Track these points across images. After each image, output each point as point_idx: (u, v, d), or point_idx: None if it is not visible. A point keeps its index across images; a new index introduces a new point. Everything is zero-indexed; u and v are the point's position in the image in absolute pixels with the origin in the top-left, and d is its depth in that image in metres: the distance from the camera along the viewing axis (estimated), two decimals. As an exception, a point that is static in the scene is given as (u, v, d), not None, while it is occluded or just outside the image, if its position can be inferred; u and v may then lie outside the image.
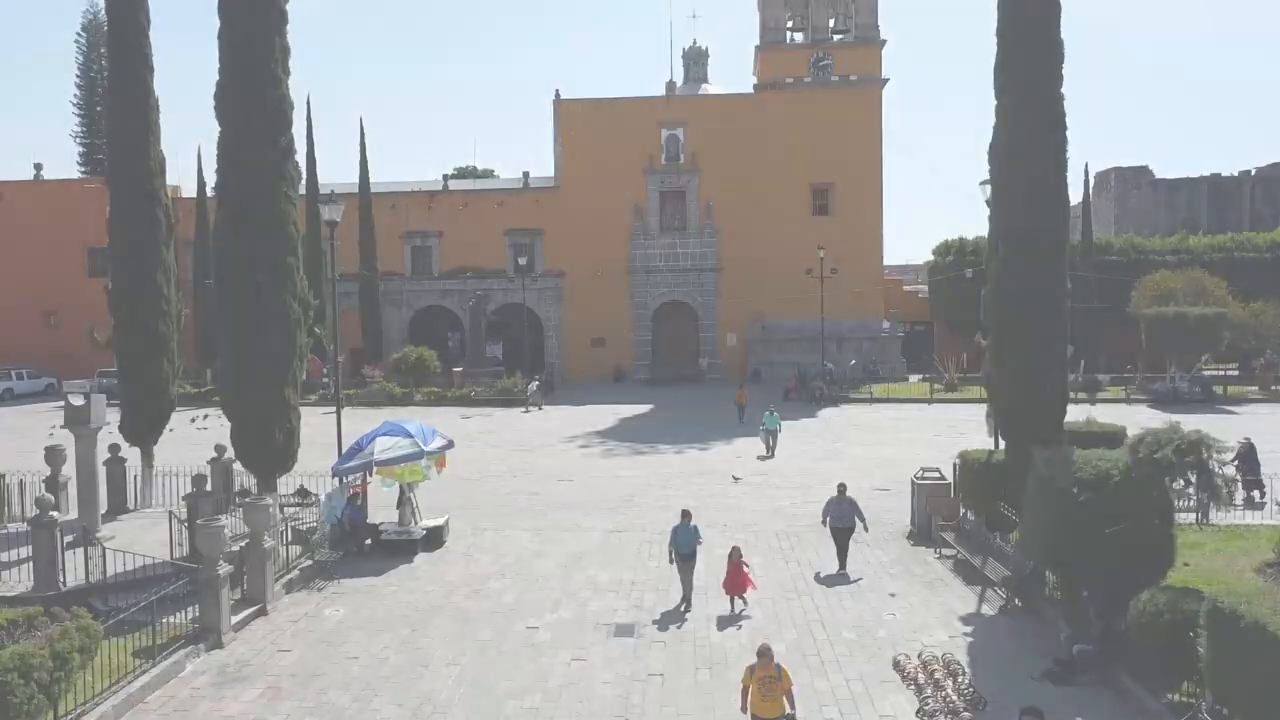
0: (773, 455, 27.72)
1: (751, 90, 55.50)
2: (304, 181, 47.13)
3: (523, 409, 42.42)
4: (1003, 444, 17.80)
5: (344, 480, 19.06)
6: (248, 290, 16.51)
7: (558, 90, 54.05)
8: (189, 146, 76.01)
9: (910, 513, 20.21)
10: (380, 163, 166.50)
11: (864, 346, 52.68)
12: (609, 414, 40.17)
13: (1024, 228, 15.49)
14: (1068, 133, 15.80)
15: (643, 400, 44.94)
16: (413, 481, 18.96)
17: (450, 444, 20.25)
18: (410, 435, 18.91)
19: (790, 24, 54.13)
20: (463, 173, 74.08)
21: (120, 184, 19.96)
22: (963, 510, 18.60)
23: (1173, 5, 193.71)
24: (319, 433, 28.38)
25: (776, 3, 53.08)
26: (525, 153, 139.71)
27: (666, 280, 54.43)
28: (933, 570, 17.23)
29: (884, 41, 52.43)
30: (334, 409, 24.45)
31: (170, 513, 16.51)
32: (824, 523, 17.73)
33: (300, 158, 48.32)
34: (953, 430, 34.13)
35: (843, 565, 17.07)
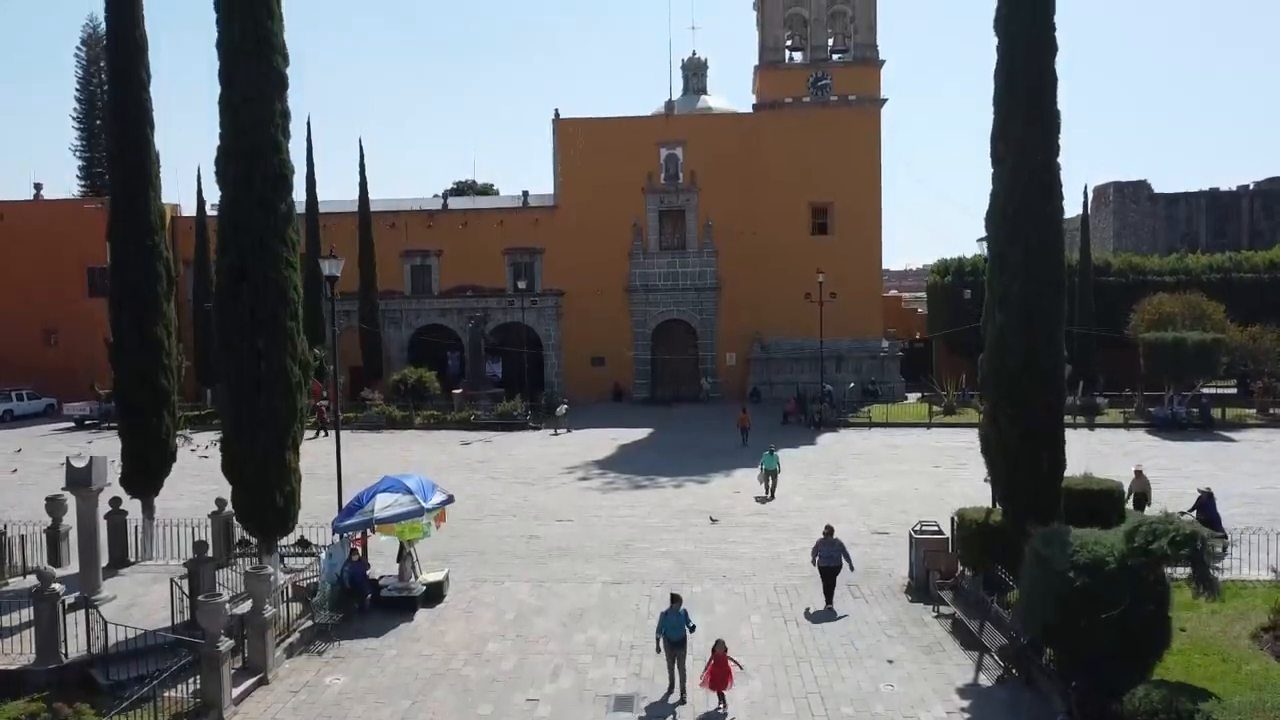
0: (772, 497, 27.68)
1: (751, 109, 55.59)
2: (304, 201, 47.77)
3: (551, 431, 42.81)
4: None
5: (344, 536, 19.13)
6: (248, 354, 16.57)
7: (557, 110, 54.21)
8: (189, 163, 75.69)
9: (908, 565, 20.29)
10: (380, 175, 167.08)
11: (863, 366, 52.78)
12: (608, 440, 40.25)
13: (1020, 298, 15.57)
14: (1064, 201, 15.94)
15: (642, 423, 45.05)
16: (413, 539, 19.03)
17: (450, 499, 20.30)
18: (410, 492, 18.98)
19: (789, 43, 54.20)
20: (462, 188, 74.33)
21: (121, 238, 19.99)
22: (960, 568, 18.68)
23: (1172, 21, 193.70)
24: (319, 462, 28.49)
25: (775, 23, 53.12)
26: (525, 164, 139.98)
27: (666, 299, 54.51)
28: (930, 632, 17.29)
29: (883, 61, 52.50)
30: (334, 431, 24.45)
31: (172, 580, 16.55)
32: (813, 562, 18.95)
33: (300, 177, 48.21)
34: (951, 460, 34.25)
35: (829, 601, 18.51)
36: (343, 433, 25.66)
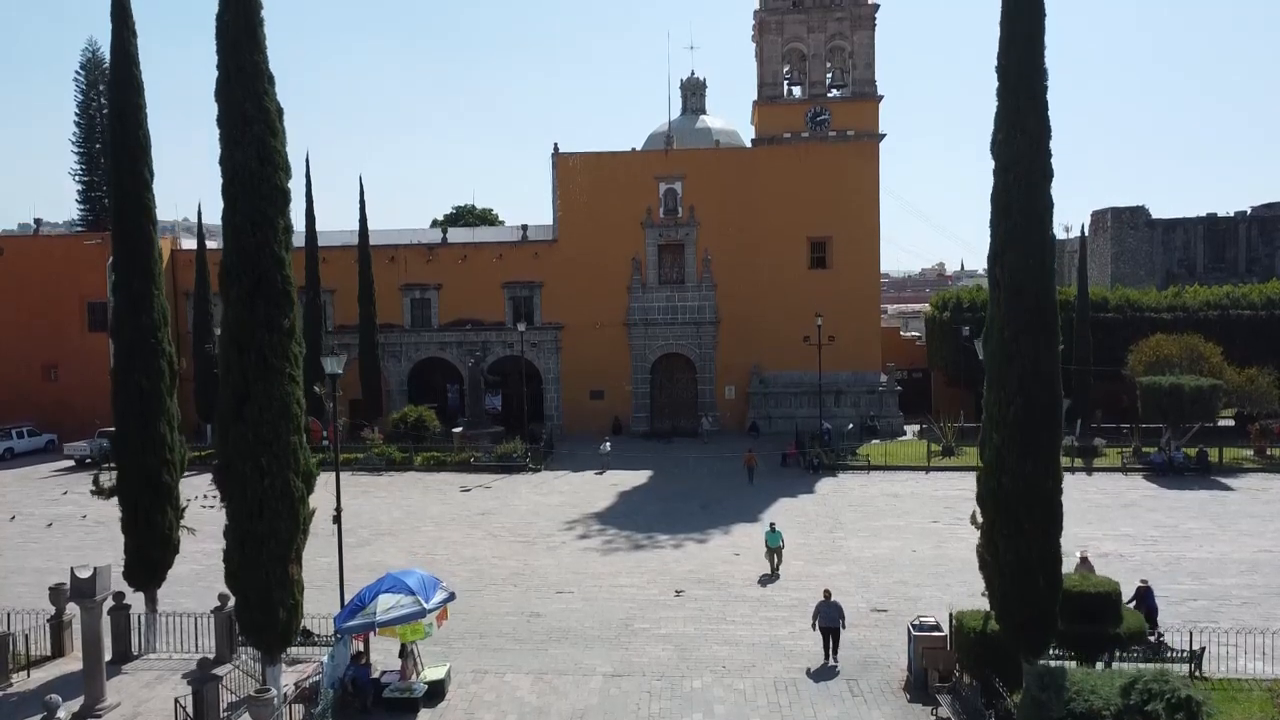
0: (777, 576, 27.51)
1: (749, 143, 55.71)
2: (303, 233, 47.87)
3: (595, 472, 43.62)
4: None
5: (345, 636, 19.26)
6: (251, 474, 16.68)
7: (556, 144, 54.31)
8: (191, 192, 75.77)
9: (907, 658, 20.44)
10: (380, 197, 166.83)
11: (862, 400, 52.91)
12: (608, 487, 40.41)
13: (1017, 421, 15.71)
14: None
15: (642, 464, 45.05)
16: (415, 639, 19.17)
17: (451, 596, 20.38)
18: (412, 592, 19.06)
19: (788, 78, 54.29)
20: (461, 213, 74.34)
21: (124, 335, 20.15)
22: (958, 671, 18.81)
23: (1171, 47, 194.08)
24: (320, 514, 28.52)
25: (774, 58, 53.24)
26: (524, 183, 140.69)
27: (665, 333, 54.60)
28: (928, 742, 17.46)
29: (881, 97, 52.59)
30: (334, 465, 24.54)
31: (176, 701, 16.69)
32: (813, 626, 21.24)
33: (300, 213, 47.95)
34: (950, 514, 34.32)
35: (828, 658, 20.84)
36: (342, 475, 25.68)
